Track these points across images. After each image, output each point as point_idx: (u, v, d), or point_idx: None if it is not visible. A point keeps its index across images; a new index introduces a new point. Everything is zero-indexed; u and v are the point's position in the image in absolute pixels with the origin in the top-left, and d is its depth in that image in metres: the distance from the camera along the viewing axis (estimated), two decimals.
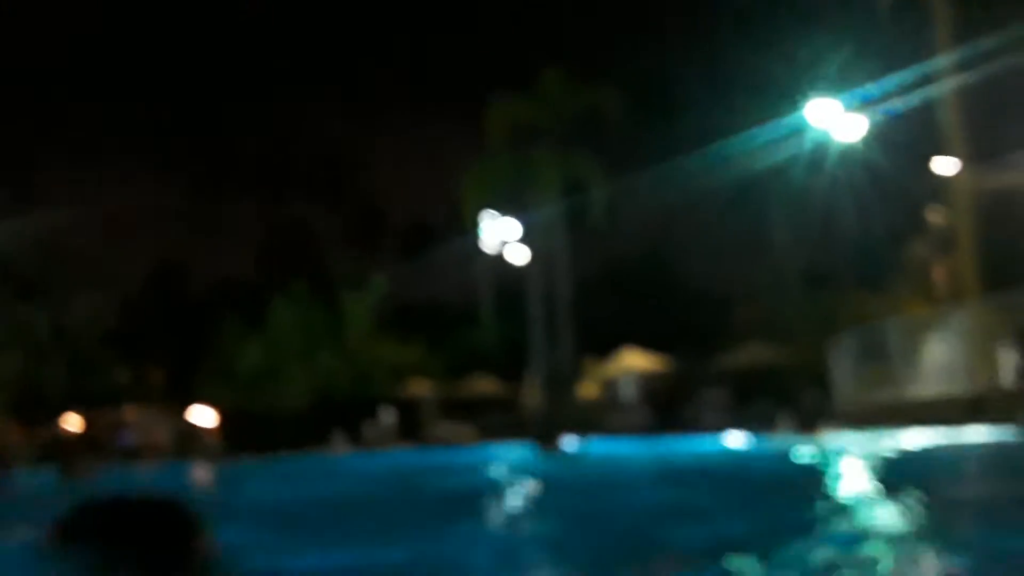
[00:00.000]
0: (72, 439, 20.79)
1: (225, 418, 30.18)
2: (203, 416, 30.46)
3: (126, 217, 45.32)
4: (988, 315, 14.08)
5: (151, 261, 47.65)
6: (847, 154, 31.53)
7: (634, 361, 30.30)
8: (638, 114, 40.89)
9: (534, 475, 9.28)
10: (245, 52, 53.93)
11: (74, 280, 38.04)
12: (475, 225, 34.60)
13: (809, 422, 15.26)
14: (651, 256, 44.17)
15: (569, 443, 16.03)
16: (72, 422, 30.58)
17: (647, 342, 33.03)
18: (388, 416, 27.74)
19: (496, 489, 7.71)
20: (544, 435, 15.08)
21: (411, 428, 28.23)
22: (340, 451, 23.71)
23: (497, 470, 9.83)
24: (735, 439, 15.35)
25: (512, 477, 9.21)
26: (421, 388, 32.55)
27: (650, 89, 42.91)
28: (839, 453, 7.97)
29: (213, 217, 49.26)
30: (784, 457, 8.79)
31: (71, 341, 34.01)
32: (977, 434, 8.43)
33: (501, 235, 36.72)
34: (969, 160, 14.90)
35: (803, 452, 8.99)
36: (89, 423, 31.10)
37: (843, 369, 16.01)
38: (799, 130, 32.09)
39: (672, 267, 44.30)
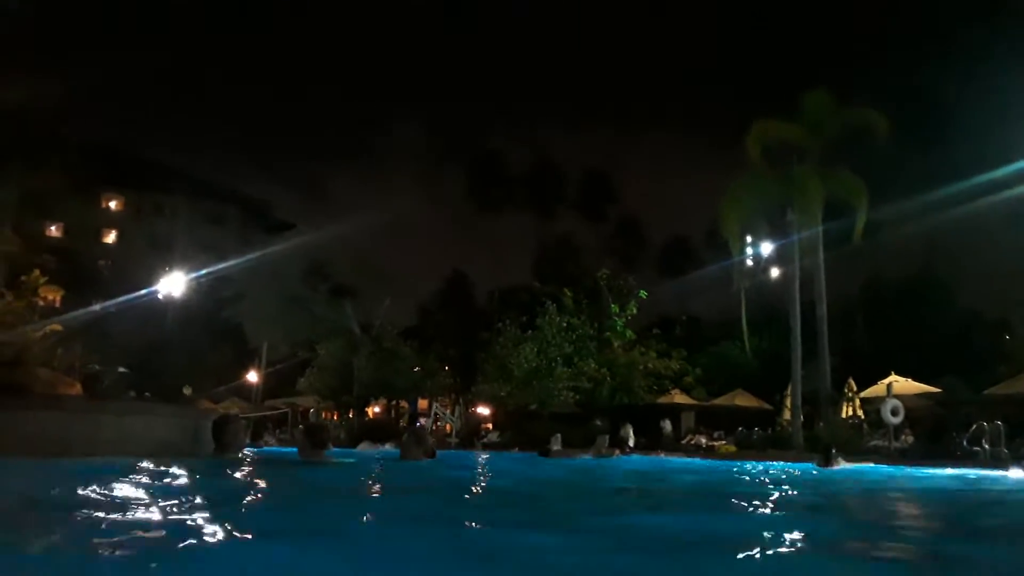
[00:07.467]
0: (406, 426, 22.77)
1: (502, 413, 31.98)
2: (484, 409, 32.46)
3: (419, 226, 49.41)
4: None
5: (438, 266, 51.98)
6: None
7: (897, 385, 28.35)
8: (905, 135, 38.30)
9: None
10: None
11: (377, 283, 41.83)
12: (733, 241, 34.07)
13: None
14: (916, 279, 41.13)
15: (841, 462, 15.76)
16: (376, 409, 33.59)
17: (909, 366, 30.87)
18: (667, 425, 28.10)
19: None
20: (824, 453, 15.20)
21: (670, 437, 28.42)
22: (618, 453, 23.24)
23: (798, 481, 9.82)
24: (1017, 474, 13.97)
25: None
26: (680, 399, 32.74)
27: (918, 112, 40.17)
28: None
29: (493, 229, 52.83)
30: None
31: (376, 337, 37.20)
32: None
33: (759, 252, 35.92)
34: None
35: None
36: (389, 411, 34.08)
37: None
38: None
39: (939, 291, 40.92)
